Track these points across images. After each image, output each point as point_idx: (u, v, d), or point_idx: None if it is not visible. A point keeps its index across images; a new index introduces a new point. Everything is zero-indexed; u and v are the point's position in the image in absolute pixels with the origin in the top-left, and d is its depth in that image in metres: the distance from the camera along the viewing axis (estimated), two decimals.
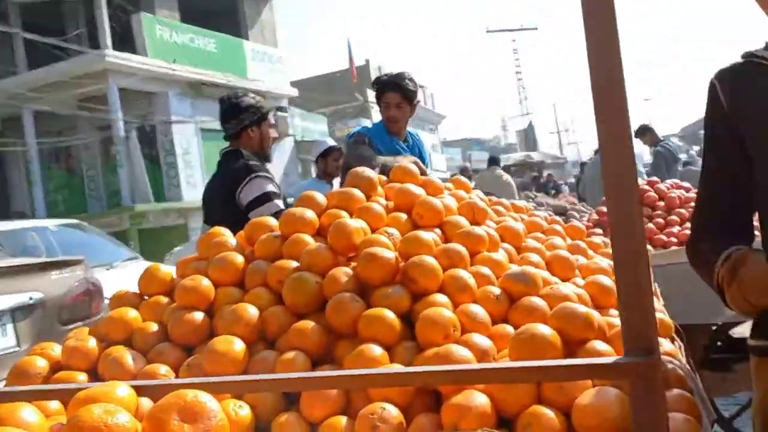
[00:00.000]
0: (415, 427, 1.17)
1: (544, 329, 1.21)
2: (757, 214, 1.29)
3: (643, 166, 8.91)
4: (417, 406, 1.24)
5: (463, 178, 2.38)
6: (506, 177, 8.41)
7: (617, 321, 1.42)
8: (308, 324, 1.41)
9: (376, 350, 1.31)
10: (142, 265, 5.80)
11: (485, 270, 1.56)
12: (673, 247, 3.18)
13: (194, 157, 15.02)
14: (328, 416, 1.23)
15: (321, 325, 1.42)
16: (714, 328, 2.85)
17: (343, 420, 1.21)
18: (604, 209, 3.76)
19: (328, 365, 1.38)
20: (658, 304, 2.00)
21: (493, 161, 9.04)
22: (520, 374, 0.97)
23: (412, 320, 1.42)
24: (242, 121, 2.89)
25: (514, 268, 1.63)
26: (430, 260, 1.47)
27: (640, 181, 3.81)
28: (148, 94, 14.40)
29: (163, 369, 1.40)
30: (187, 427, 0.92)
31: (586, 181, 7.00)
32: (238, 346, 1.37)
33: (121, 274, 4.83)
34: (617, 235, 0.94)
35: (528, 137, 37.19)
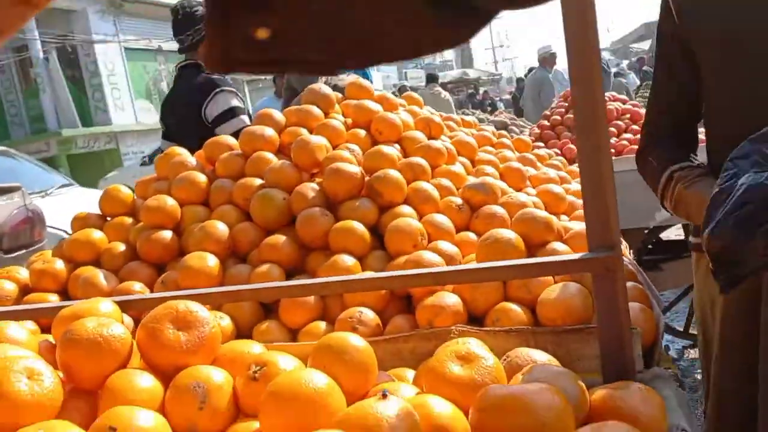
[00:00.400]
0: (392, 328, 1.25)
1: (508, 233, 1.29)
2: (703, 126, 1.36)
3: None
4: (391, 310, 1.32)
5: (416, 95, 2.40)
6: (445, 94, 8.42)
7: (570, 225, 1.52)
8: (279, 238, 1.45)
9: (349, 260, 1.37)
10: (79, 191, 5.67)
11: (446, 182, 1.62)
12: (623, 156, 3.32)
13: (120, 78, 14.30)
14: (306, 322, 1.30)
15: (291, 239, 1.46)
16: (646, 231, 3.05)
17: (322, 325, 1.28)
18: (546, 123, 3.87)
19: (302, 276, 1.43)
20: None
21: (432, 79, 9.00)
22: (497, 273, 1.05)
23: (380, 232, 1.47)
24: (199, 32, 2.79)
25: (472, 179, 1.70)
26: (394, 173, 1.51)
27: None
28: (66, 11, 13.45)
29: (138, 286, 1.41)
30: (182, 334, 0.96)
31: (525, 99, 7.14)
32: (212, 261, 1.40)
33: (59, 201, 4.68)
34: (581, 134, 1.00)
35: (464, 54, 37.00)
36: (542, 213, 1.36)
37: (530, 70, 11.30)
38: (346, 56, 0.36)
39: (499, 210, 1.50)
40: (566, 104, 3.89)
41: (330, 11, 0.34)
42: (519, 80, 14.48)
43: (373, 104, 1.85)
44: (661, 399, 0.91)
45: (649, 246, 3.26)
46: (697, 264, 1.39)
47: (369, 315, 1.25)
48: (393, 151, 1.63)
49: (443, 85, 18.16)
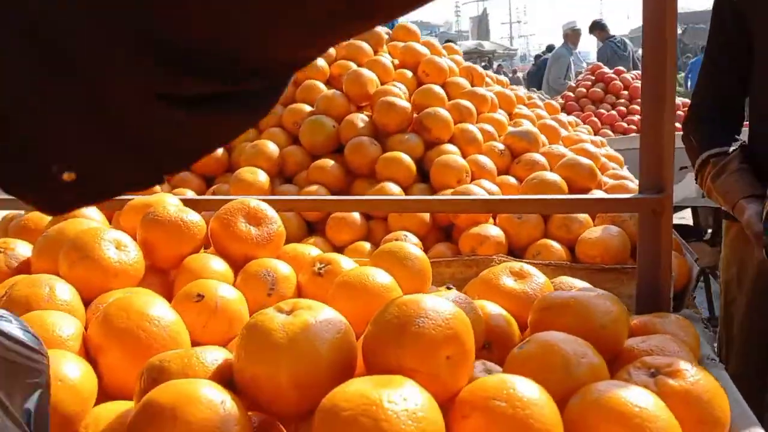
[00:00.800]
0: (435, 253, 1.31)
1: (553, 175, 1.35)
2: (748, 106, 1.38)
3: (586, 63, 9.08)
4: (431, 238, 1.38)
5: (455, 46, 2.43)
6: (456, 47, 8.40)
7: (606, 180, 1.58)
8: (328, 161, 1.51)
9: (395, 188, 1.43)
10: None
11: (489, 127, 1.67)
12: (633, 134, 3.38)
13: None
14: (351, 241, 1.36)
15: (339, 164, 1.52)
16: None
17: (366, 245, 1.34)
18: (571, 94, 3.90)
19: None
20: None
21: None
22: (550, 205, 1.11)
23: (424, 167, 1.53)
24: None
25: (512, 128, 1.75)
26: (443, 112, 1.56)
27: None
28: None
29: (189, 193, 1.47)
30: (253, 228, 1.02)
31: (547, 74, 7.13)
32: (263, 176, 1.46)
33: None
34: (646, 82, 1.05)
35: (481, 25, 36.53)
36: (586, 160, 1.42)
37: (548, 48, 11.21)
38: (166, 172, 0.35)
39: (540, 158, 1.55)
40: (593, 77, 3.91)
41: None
42: (537, 57, 14.39)
43: (420, 47, 1.89)
44: (695, 330, 0.97)
45: None
46: (727, 230, 1.42)
47: (413, 239, 1.31)
48: (441, 91, 1.68)
49: None
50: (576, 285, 1.08)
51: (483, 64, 20.84)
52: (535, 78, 11.75)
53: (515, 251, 1.31)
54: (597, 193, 1.37)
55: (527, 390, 0.60)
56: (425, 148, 1.55)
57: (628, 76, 3.88)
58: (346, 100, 1.65)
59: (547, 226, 1.31)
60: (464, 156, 1.54)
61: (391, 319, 0.63)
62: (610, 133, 3.49)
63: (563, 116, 3.12)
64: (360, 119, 1.58)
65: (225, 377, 0.66)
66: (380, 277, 0.91)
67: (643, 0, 1.03)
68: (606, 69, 3.93)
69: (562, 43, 7.31)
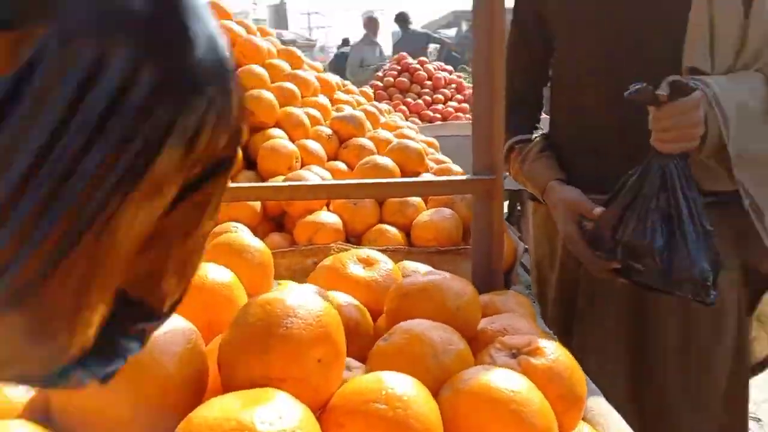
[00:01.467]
0: (269, 244, 1.22)
1: (386, 159, 1.33)
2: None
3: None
4: (262, 229, 1.29)
5: (269, 28, 2.32)
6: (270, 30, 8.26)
7: (430, 164, 1.60)
8: None
9: None
10: None
11: (314, 111, 1.61)
12: (438, 122, 3.53)
13: None
14: None
15: None
16: None
17: None
18: (379, 84, 3.97)
19: None
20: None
21: None
22: (387, 189, 1.08)
23: (249, 153, 1.42)
24: None
25: (348, 111, 1.71)
26: (267, 94, 1.47)
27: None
28: None
29: None
30: None
31: (349, 65, 7.23)
32: None
33: None
34: (478, 59, 1.06)
35: (279, 14, 36.20)
36: (415, 144, 1.42)
37: (344, 41, 11.47)
38: None
39: (368, 143, 1.53)
40: (399, 67, 4.02)
41: None
42: (339, 47, 14.62)
43: (236, 26, 1.77)
44: (531, 306, 1.01)
45: None
46: (535, 212, 1.45)
47: (244, 230, 1.21)
48: (264, 71, 1.58)
49: None
50: (420, 269, 1.06)
51: None
52: (333, 70, 11.90)
53: (351, 238, 1.27)
54: (428, 177, 1.37)
55: (406, 388, 0.56)
56: (249, 132, 1.44)
57: (430, 66, 4.04)
58: None
59: (382, 211, 1.29)
60: (292, 141, 1.47)
61: (254, 322, 0.54)
62: (418, 121, 3.61)
63: (377, 104, 3.17)
64: None
65: (39, 412, 0.53)
66: (218, 273, 0.80)
67: None
68: (410, 59, 4.06)
69: (364, 35, 7.46)
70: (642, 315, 1.31)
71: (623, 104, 1.14)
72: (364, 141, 1.53)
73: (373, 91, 3.84)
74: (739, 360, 1.32)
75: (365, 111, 1.96)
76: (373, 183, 1.08)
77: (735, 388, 1.31)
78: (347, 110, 1.88)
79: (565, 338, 1.40)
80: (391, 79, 3.91)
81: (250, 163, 1.41)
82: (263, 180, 1.37)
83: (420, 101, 3.76)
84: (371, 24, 7.36)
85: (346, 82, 2.97)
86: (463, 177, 1.10)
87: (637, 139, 1.11)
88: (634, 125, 1.16)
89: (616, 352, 1.34)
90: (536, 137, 1.39)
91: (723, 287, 1.25)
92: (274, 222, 1.32)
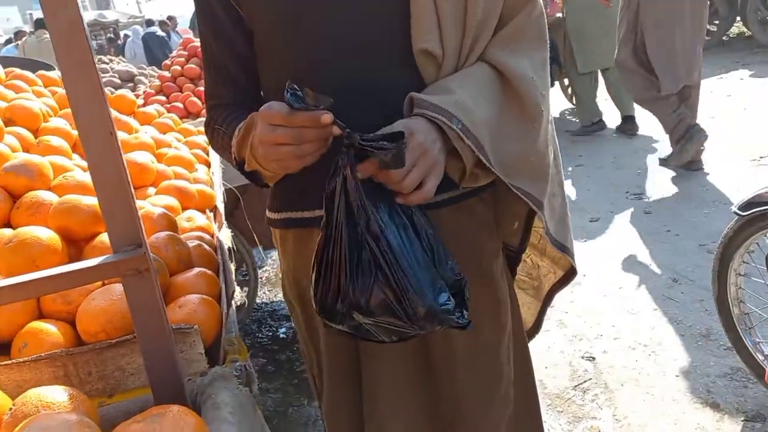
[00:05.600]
0: None
1: (40, 231, 1.03)
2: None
3: None
4: None
5: None
6: None
7: (158, 199, 1.32)
8: None
9: None
10: None
11: None
12: None
13: None
14: None
15: None
16: None
17: None
18: (167, 74, 3.57)
19: None
20: (207, 174, 1.98)
21: (42, 24, 7.76)
22: (21, 290, 0.80)
23: None
24: None
25: (22, 157, 1.37)
26: None
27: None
28: None
29: None
30: None
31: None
32: None
33: None
34: (81, 123, 0.80)
35: None
36: (88, 200, 1.12)
37: (148, 22, 10.71)
38: None
39: (48, 197, 1.21)
40: (186, 53, 3.63)
41: None
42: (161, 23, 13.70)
43: None
44: (197, 420, 0.78)
45: None
46: (282, 240, 1.23)
47: None
48: None
49: None
50: (47, 400, 0.80)
51: (109, 35, 19.18)
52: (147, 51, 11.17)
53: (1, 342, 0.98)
54: (104, 239, 1.09)
55: None
56: None
57: None
58: None
59: (41, 301, 1.00)
60: None
61: None
62: None
63: (150, 106, 2.80)
64: None
65: None
66: None
67: None
68: (197, 42, 3.67)
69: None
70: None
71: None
72: (44, 195, 1.21)
73: (160, 84, 3.45)
74: (517, 336, 1.25)
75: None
76: None
77: (521, 370, 1.27)
78: (53, 142, 1.54)
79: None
80: (179, 68, 3.51)
81: None
82: None
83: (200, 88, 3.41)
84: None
85: (106, 91, 2.58)
86: (96, 261, 0.83)
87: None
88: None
89: (405, 374, 1.17)
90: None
91: (496, 275, 1.15)
92: None
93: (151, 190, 1.55)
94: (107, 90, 2.42)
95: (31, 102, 1.67)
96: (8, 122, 1.52)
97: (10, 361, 0.90)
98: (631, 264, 3.25)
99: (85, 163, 1.54)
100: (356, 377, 1.17)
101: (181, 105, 3.24)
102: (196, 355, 0.98)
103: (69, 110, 1.86)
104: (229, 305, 1.07)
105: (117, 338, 0.93)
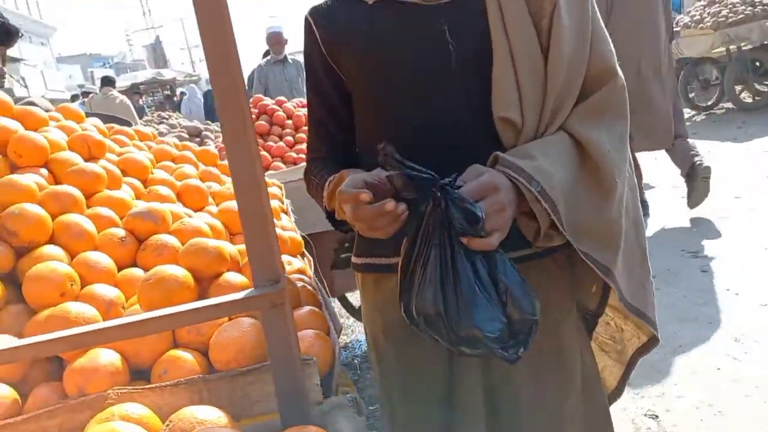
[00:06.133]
0: (35, 402, 1.02)
1: (175, 270, 1.15)
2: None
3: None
4: (35, 377, 1.08)
5: (74, 107, 2.09)
6: (121, 99, 7.69)
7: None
8: None
9: None
10: None
11: (106, 211, 1.41)
12: (302, 163, 3.38)
13: None
14: None
15: None
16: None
17: None
18: None
19: None
20: (290, 221, 2.11)
21: (108, 82, 8.20)
22: (147, 326, 0.90)
23: (18, 280, 1.21)
24: None
25: (141, 204, 1.51)
26: (33, 208, 1.26)
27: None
28: None
29: None
30: None
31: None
32: None
33: None
34: (234, 165, 0.91)
35: (156, 53, 35.12)
36: (213, 242, 1.25)
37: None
38: None
39: (170, 240, 1.34)
40: (256, 110, 3.85)
41: None
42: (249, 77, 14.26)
43: (8, 121, 1.54)
44: None
45: (346, 244, 3.39)
46: (363, 283, 1.35)
47: (3, 391, 1.00)
48: (31, 179, 1.36)
49: (135, 87, 16.96)
50: (200, 418, 0.89)
51: (166, 93, 20.05)
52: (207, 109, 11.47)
53: (142, 369, 1.08)
54: (228, 278, 1.20)
55: None
56: (15, 257, 1.23)
57: (289, 105, 3.89)
58: None
59: (176, 332, 1.11)
60: (72, 256, 1.26)
61: None
62: (282, 165, 3.44)
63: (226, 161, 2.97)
64: None
65: None
66: None
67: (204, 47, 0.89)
68: (267, 100, 3.89)
69: (270, 56, 6.76)
70: (491, 382, 1.23)
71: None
72: (166, 238, 1.34)
73: None
74: (589, 396, 1.28)
75: (187, 187, 1.78)
76: (135, 322, 0.90)
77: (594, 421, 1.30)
78: (162, 192, 1.69)
79: None
80: None
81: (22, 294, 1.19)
82: (35, 313, 1.16)
83: (282, 143, 3.60)
84: (272, 37, 6.53)
85: (189, 144, 2.76)
86: (240, 295, 0.94)
87: None
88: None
89: (476, 416, 1.24)
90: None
91: (565, 334, 1.20)
92: (50, 363, 1.11)
93: None
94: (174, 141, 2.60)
95: (139, 154, 1.84)
96: (122, 173, 1.68)
97: (154, 385, 1.00)
98: (691, 322, 3.24)
99: (188, 210, 1.68)
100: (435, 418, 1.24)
101: None
102: (313, 386, 1.07)
103: (167, 163, 2.02)
104: (336, 340, 1.16)
105: (247, 367, 1.03)
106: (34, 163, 1.48)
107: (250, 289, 0.95)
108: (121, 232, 1.35)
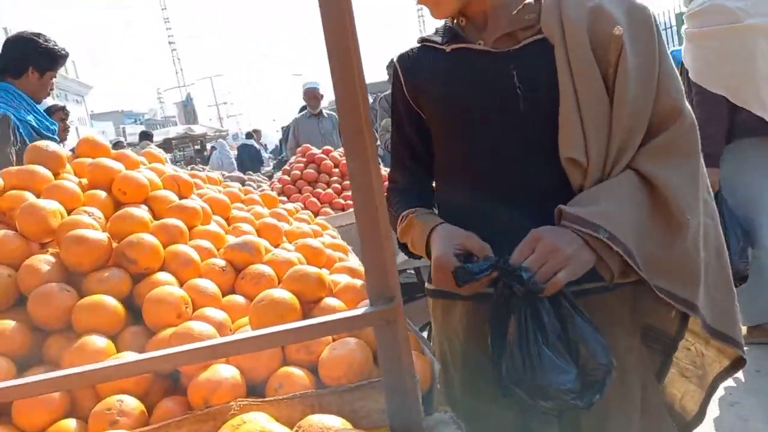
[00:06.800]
0: (161, 413, 1.10)
1: (282, 293, 1.24)
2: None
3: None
4: (156, 392, 1.17)
5: (156, 150, 2.24)
6: (158, 152, 8.01)
7: (335, 278, 1.53)
8: (6, 324, 1.20)
9: (100, 341, 1.18)
10: None
11: (205, 243, 1.52)
12: (351, 210, 3.49)
13: None
14: (50, 423, 1.08)
15: (22, 323, 1.22)
16: None
17: (71, 423, 1.07)
18: (287, 177, 3.93)
19: (42, 367, 1.19)
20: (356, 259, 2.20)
21: (146, 136, 8.55)
22: (278, 338, 0.99)
23: (135, 304, 1.31)
24: None
25: (231, 238, 1.62)
26: (149, 238, 1.37)
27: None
28: None
29: None
30: None
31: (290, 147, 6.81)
32: None
33: None
34: (355, 190, 1.01)
35: (187, 109, 36.19)
36: (313, 269, 1.34)
37: (248, 135, 11.44)
38: None
39: (266, 269, 1.44)
40: (305, 159, 4.00)
41: None
42: (248, 135, 14.84)
43: (112, 162, 1.67)
44: None
45: None
46: (434, 308, 1.49)
47: (131, 403, 1.09)
48: (143, 212, 1.48)
49: (167, 142, 17.48)
50: (328, 424, 0.97)
51: (196, 147, 20.60)
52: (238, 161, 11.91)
53: (256, 386, 1.16)
54: (328, 302, 1.29)
55: None
56: (132, 282, 1.33)
57: (335, 154, 4.04)
58: (23, 241, 1.36)
59: (285, 350, 1.20)
60: (181, 283, 1.36)
61: None
62: (330, 211, 3.57)
63: (286, 203, 3.10)
64: (44, 261, 1.30)
65: None
66: None
67: (333, 79, 0.99)
68: (315, 150, 4.05)
69: (305, 111, 6.99)
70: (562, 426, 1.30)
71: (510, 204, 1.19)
72: (262, 268, 1.44)
73: (281, 186, 3.79)
74: (653, 426, 1.34)
75: (265, 226, 1.88)
76: (259, 336, 0.98)
77: None
78: (244, 228, 1.80)
79: None
80: (299, 173, 3.87)
81: (139, 314, 1.29)
82: (152, 334, 1.25)
83: (330, 190, 3.73)
84: (309, 93, 6.76)
85: (252, 189, 2.90)
86: (360, 311, 1.03)
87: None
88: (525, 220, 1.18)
89: None
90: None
91: (628, 369, 1.25)
92: (168, 380, 1.20)
93: (324, 271, 1.77)
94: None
95: (220, 194, 1.96)
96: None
97: (272, 398, 1.08)
98: None
99: (268, 245, 1.79)
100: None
101: (302, 206, 3.55)
102: (420, 405, 1.14)
103: (239, 204, 2.14)
104: (434, 360, 1.23)
105: (356, 383, 1.11)
106: (136, 199, 1.60)
107: (367, 306, 1.04)
108: (221, 262, 1.45)
